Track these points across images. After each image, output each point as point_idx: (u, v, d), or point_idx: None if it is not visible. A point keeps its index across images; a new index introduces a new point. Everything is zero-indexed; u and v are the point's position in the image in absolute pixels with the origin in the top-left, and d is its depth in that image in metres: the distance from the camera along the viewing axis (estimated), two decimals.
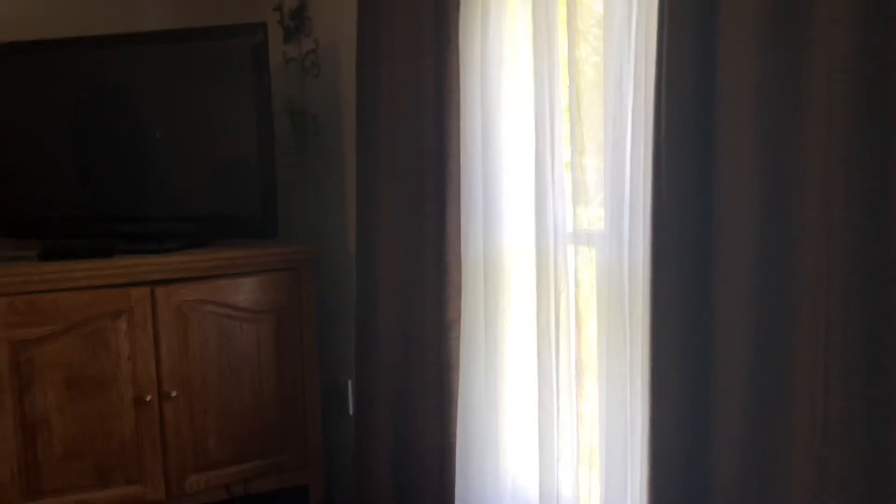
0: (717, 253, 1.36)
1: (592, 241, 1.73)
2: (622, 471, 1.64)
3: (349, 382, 2.60)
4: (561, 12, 1.76)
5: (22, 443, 2.14)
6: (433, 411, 2.10)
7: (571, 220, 1.78)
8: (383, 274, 2.22)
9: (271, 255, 2.44)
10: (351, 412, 2.56)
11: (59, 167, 2.56)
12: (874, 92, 1.16)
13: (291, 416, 2.48)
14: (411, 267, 2.16)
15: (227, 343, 2.39)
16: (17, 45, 2.45)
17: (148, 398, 2.25)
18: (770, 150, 1.29)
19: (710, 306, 1.37)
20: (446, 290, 2.03)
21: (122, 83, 2.54)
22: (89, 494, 2.22)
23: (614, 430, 1.65)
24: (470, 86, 2.00)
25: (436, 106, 2.02)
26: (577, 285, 1.78)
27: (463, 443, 2.06)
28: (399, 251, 2.19)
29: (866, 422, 1.20)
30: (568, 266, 1.78)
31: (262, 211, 2.45)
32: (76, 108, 2.53)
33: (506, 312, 2.03)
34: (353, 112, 2.34)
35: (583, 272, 1.78)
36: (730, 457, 1.37)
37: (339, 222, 2.64)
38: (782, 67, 1.27)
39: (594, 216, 1.73)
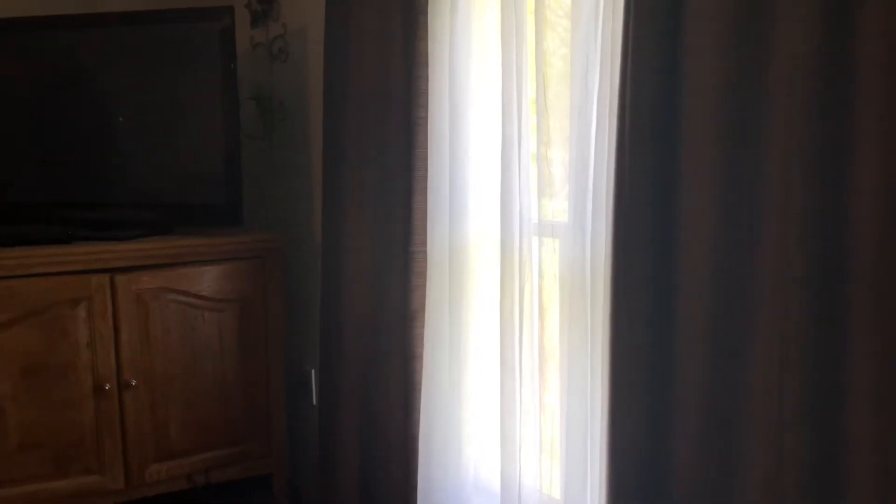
0: (677, 246, 1.37)
1: (557, 233, 1.73)
2: (582, 461, 1.65)
3: (313, 372, 2.59)
4: (530, 2, 1.76)
5: None
6: (397, 401, 2.09)
7: (537, 211, 1.78)
8: (348, 263, 2.20)
9: (236, 244, 2.41)
10: (315, 402, 2.55)
11: (17, 151, 2.50)
12: (832, 90, 1.17)
13: (256, 406, 2.46)
14: (377, 256, 2.15)
15: (190, 332, 2.36)
16: None
17: (107, 387, 2.21)
18: (732, 144, 1.30)
19: (670, 299, 1.38)
20: (411, 280, 2.02)
21: (84, 65, 2.49)
22: (47, 484, 2.18)
23: (575, 420, 1.65)
24: (438, 74, 1.99)
25: (403, 94, 2.01)
26: (540, 276, 1.79)
27: (426, 432, 2.05)
28: (365, 241, 2.17)
29: (820, 414, 1.22)
30: (532, 257, 1.78)
31: (227, 198, 2.42)
32: (36, 90, 2.48)
33: (470, 303, 2.03)
34: (320, 99, 2.32)
35: (547, 264, 1.78)
36: (688, 447, 1.38)
37: (306, 210, 2.62)
38: (745, 63, 1.27)
39: (559, 208, 1.74)
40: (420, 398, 2.04)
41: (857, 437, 1.17)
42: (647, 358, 1.40)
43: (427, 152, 1.99)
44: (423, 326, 2.03)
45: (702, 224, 1.33)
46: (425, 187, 2.00)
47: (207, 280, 2.36)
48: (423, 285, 2.02)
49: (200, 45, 2.42)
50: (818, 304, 1.21)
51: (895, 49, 1.10)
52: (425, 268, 2.02)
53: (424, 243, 2.01)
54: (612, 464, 1.44)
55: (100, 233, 2.32)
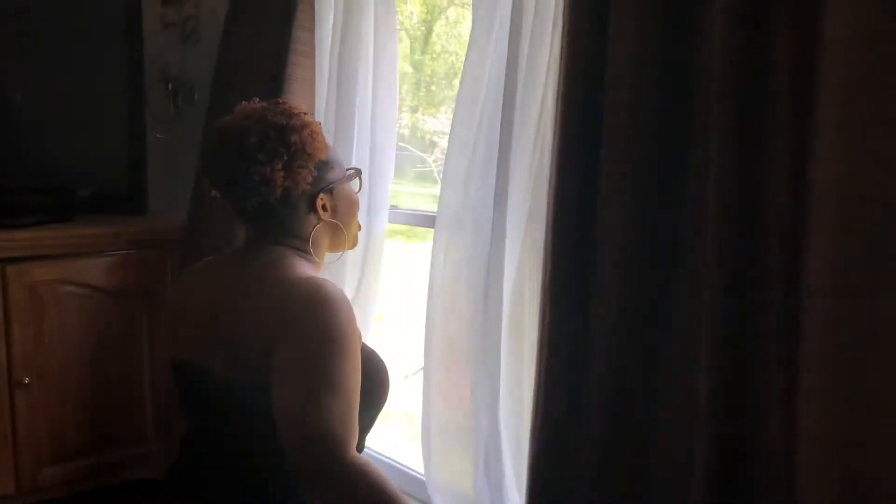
0: (600, 247, 1.34)
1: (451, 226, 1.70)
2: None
3: None
4: None
5: None
6: None
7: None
8: None
9: (139, 233, 2.29)
10: None
11: None
12: (752, 87, 1.15)
13: (161, 403, 2.34)
14: None
15: (90, 326, 2.23)
16: None
17: None
18: (654, 142, 1.28)
19: (587, 302, 1.35)
20: None
21: None
22: None
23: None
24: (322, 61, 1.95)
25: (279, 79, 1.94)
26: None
27: None
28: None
29: (733, 411, 1.21)
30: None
31: (131, 185, 2.30)
32: None
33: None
34: None
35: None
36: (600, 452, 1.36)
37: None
38: (673, 58, 1.25)
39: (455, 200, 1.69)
40: None
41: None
42: (570, 357, 1.37)
43: None
44: None
45: (620, 225, 1.30)
46: None
47: (108, 271, 2.24)
48: None
49: (103, 22, 2.29)
50: (734, 304, 1.20)
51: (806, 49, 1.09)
52: None
53: None
54: (534, 462, 1.41)
55: None
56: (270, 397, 1.20)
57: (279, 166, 1.27)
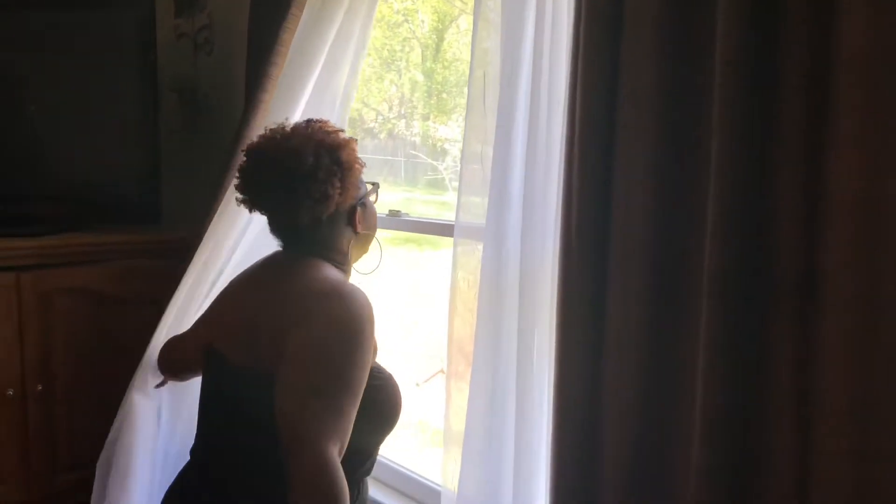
0: (614, 250, 1.33)
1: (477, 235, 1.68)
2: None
3: None
4: None
5: None
6: None
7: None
8: None
9: (152, 242, 2.30)
10: None
11: None
12: (758, 90, 1.14)
13: None
14: None
15: (103, 334, 2.24)
16: None
17: (10, 393, 2.08)
18: (666, 152, 1.27)
19: (605, 306, 1.35)
20: None
21: None
22: None
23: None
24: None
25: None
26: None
27: None
28: None
29: (741, 419, 1.20)
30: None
31: (144, 194, 2.31)
32: None
33: None
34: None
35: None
36: (622, 454, 1.35)
37: None
38: (681, 61, 1.25)
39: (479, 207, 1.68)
40: None
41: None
42: (589, 361, 1.37)
43: None
44: None
45: (632, 231, 1.30)
46: None
47: (121, 279, 2.25)
48: None
49: (117, 34, 2.31)
50: (742, 310, 1.19)
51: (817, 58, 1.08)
52: None
53: None
54: (556, 469, 1.40)
55: (5, 228, 2.18)
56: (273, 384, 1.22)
57: (337, 184, 1.31)
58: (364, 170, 1.44)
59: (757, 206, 1.16)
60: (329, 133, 1.38)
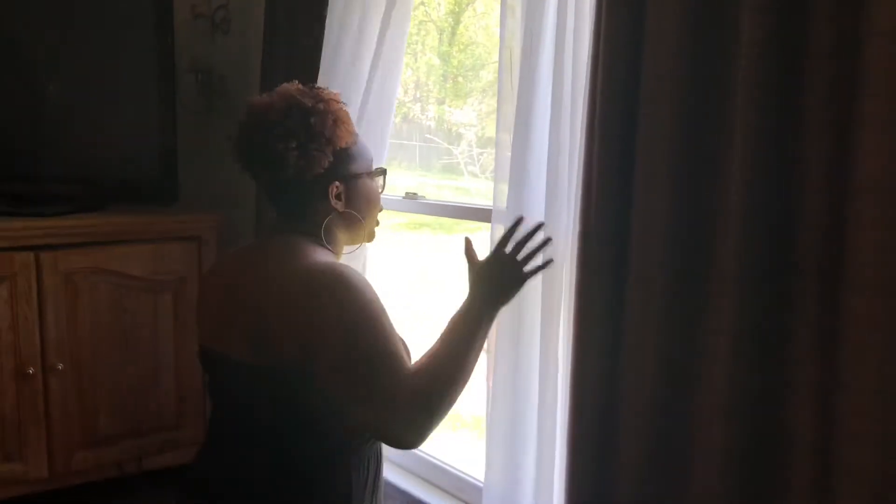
0: (634, 242, 1.34)
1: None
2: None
3: None
4: None
5: None
6: None
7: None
8: None
9: (170, 223, 2.32)
10: None
11: None
12: (784, 78, 1.14)
13: (189, 391, 2.38)
14: None
15: (121, 314, 2.26)
16: None
17: (31, 371, 2.11)
18: (689, 140, 1.27)
19: (625, 296, 1.35)
20: None
21: (11, 31, 2.34)
22: None
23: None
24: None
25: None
26: None
27: None
28: None
29: (762, 405, 1.21)
30: None
31: (162, 175, 2.33)
32: None
33: None
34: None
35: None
36: (639, 443, 1.36)
37: (246, 189, 2.52)
38: (707, 51, 1.24)
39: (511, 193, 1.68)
40: None
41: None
42: (606, 348, 1.38)
43: None
44: None
45: (655, 221, 1.30)
46: None
47: (140, 260, 2.26)
48: None
49: (134, 14, 2.31)
50: (765, 298, 1.19)
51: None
52: None
53: None
54: (571, 459, 1.42)
55: (24, 208, 2.20)
56: (293, 383, 1.23)
57: (293, 145, 1.27)
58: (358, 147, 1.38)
59: (781, 189, 1.16)
60: (314, 98, 1.31)
